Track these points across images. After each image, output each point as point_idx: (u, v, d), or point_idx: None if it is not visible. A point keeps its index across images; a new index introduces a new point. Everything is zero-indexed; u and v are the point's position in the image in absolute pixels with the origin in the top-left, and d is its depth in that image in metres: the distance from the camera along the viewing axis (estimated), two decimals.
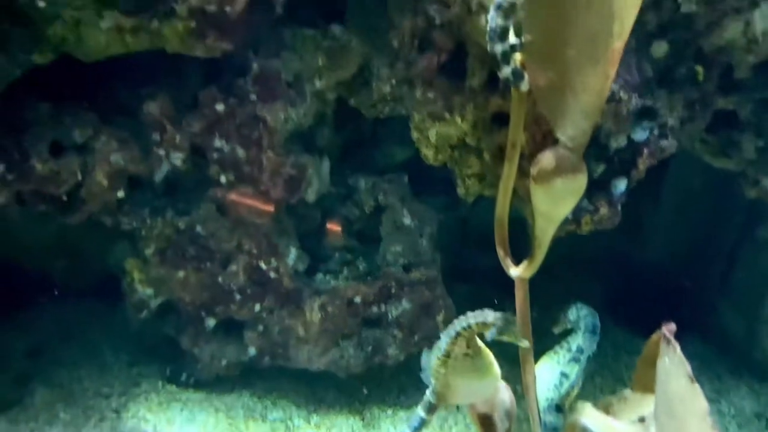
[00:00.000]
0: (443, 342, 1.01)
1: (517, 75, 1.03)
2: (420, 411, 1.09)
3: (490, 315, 0.96)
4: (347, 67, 1.54)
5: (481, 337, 1.00)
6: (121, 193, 1.53)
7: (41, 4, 1.25)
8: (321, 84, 1.54)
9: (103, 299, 1.98)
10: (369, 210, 1.73)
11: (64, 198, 1.44)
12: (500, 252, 1.15)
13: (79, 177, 1.44)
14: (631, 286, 1.97)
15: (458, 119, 1.52)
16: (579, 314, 1.17)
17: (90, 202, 1.48)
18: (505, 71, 1.03)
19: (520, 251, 1.13)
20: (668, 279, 1.95)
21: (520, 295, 1.10)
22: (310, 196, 1.64)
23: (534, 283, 1.12)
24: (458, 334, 0.99)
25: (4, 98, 1.35)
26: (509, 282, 1.11)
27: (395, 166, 1.86)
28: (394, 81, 1.56)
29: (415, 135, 1.61)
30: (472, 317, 0.98)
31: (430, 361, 1.03)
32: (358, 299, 1.64)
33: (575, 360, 1.15)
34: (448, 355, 1.01)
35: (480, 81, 1.47)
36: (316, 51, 1.51)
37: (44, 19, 1.28)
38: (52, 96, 1.45)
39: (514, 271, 1.11)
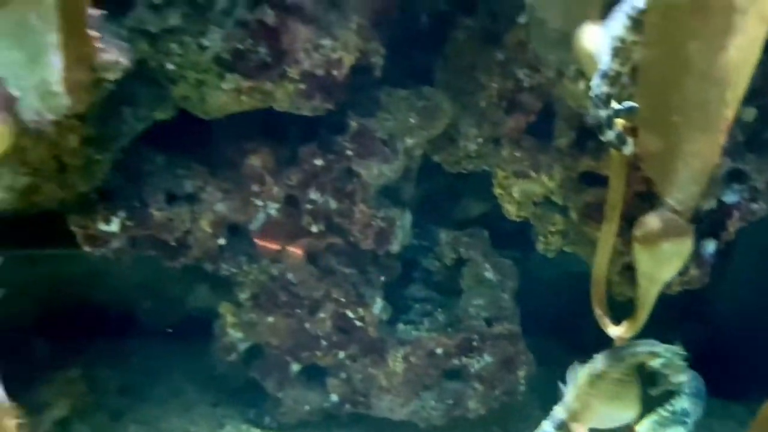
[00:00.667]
0: (604, 361, 1.01)
1: (621, 139, 1.08)
2: (548, 426, 1.09)
3: (659, 346, 0.97)
4: (437, 125, 1.62)
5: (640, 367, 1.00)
6: (222, 240, 1.63)
7: (170, 67, 1.38)
8: (411, 141, 1.63)
9: (183, 340, 2.07)
10: (449, 262, 1.79)
11: (173, 243, 1.55)
12: (598, 311, 1.18)
13: (188, 224, 1.54)
14: (714, 346, 1.94)
15: (544, 178, 1.57)
16: (682, 377, 1.16)
17: (195, 248, 1.58)
18: (609, 136, 1.08)
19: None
20: (752, 338, 1.92)
21: None
22: (395, 247, 1.71)
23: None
24: (623, 359, 0.99)
25: (127, 151, 1.47)
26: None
27: (471, 219, 1.92)
28: (480, 139, 1.64)
29: (497, 191, 1.68)
30: (642, 345, 0.99)
31: (578, 377, 1.03)
32: (440, 351, 1.68)
33: (681, 423, 1.14)
34: (600, 375, 1.01)
35: (568, 141, 1.54)
36: (408, 110, 1.60)
37: (170, 80, 1.41)
38: (167, 148, 1.57)
39: (614, 331, 1.13)
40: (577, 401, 1.03)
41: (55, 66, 0.95)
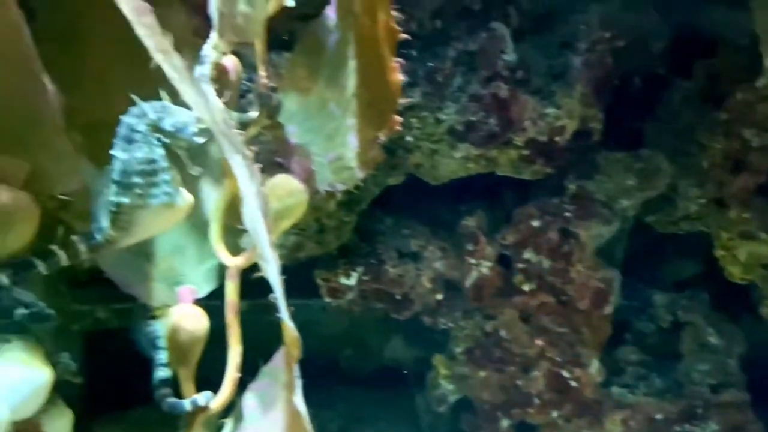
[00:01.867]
0: None
1: None
2: None
3: None
4: (657, 186, 1.63)
5: None
6: (439, 296, 1.73)
7: (408, 138, 1.53)
8: (628, 203, 1.65)
9: (380, 389, 2.19)
10: (665, 325, 1.76)
11: (399, 297, 1.67)
12: None
13: (413, 280, 1.67)
14: None
15: None
16: None
17: (417, 302, 1.70)
18: None
19: None
20: None
21: None
22: (608, 309, 1.71)
23: None
24: None
25: (363, 215, 1.64)
26: None
27: (683, 281, 1.88)
28: (702, 200, 1.62)
29: (720, 253, 1.64)
30: None
31: None
32: (660, 416, 1.63)
33: None
34: None
35: None
36: (626, 173, 1.63)
37: (407, 150, 1.56)
38: (394, 210, 1.73)
39: None
40: None
41: (352, 145, 1.12)
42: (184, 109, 0.90)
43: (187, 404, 1.08)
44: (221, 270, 1.14)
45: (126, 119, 0.89)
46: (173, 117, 0.89)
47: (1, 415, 0.84)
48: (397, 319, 1.72)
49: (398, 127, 1.05)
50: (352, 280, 1.62)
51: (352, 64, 1.13)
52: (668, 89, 1.67)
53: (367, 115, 1.09)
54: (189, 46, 1.16)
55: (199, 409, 1.09)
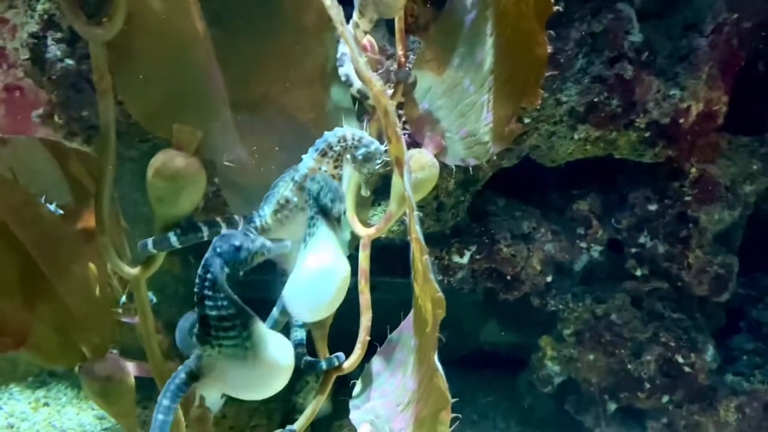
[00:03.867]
0: None
1: None
2: None
3: None
4: None
5: None
6: (549, 278, 1.75)
7: (526, 121, 1.55)
8: (750, 188, 1.61)
9: (476, 371, 2.21)
10: None
11: (509, 278, 1.70)
12: None
13: (524, 261, 1.69)
14: None
15: None
16: None
17: (525, 282, 1.72)
18: None
19: None
20: None
21: None
22: (725, 296, 1.67)
23: None
24: None
25: (477, 195, 1.67)
26: None
27: None
28: None
29: None
30: None
31: None
32: None
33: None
34: None
35: None
36: (750, 158, 1.59)
37: (523, 132, 1.58)
38: (507, 192, 1.75)
39: None
40: None
41: (486, 120, 1.16)
42: (376, 142, 1.00)
43: (323, 363, 1.15)
44: (353, 240, 1.21)
45: (328, 136, 0.99)
46: (366, 148, 0.99)
47: (345, 270, 0.94)
48: (506, 299, 1.75)
49: (540, 100, 1.07)
50: (464, 259, 1.65)
51: (489, 41, 1.16)
52: None
53: (505, 91, 1.12)
54: (324, 36, 1.24)
55: (333, 368, 1.17)
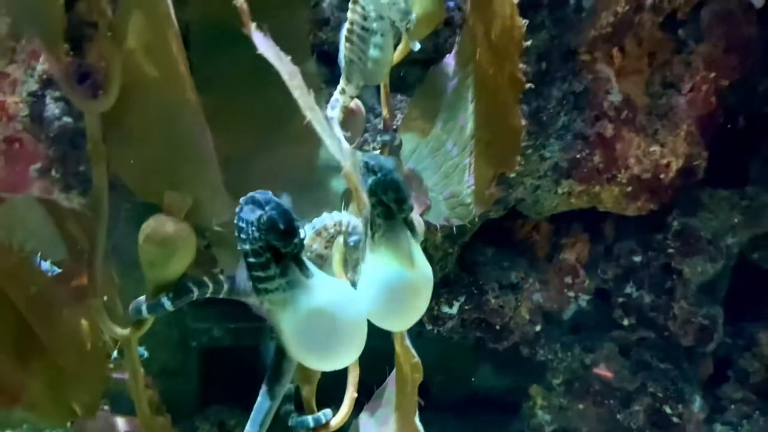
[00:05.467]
0: None
1: None
2: None
3: None
4: (763, 225, 1.62)
5: None
6: (538, 327, 1.77)
7: (512, 175, 1.60)
8: (733, 240, 1.64)
9: (470, 416, 2.22)
10: None
11: (498, 327, 1.72)
12: None
13: (512, 311, 1.72)
14: None
15: None
16: None
17: (515, 332, 1.74)
18: None
19: None
20: None
21: None
22: (711, 346, 1.69)
23: None
24: None
25: (465, 246, 1.71)
26: None
27: None
28: None
29: None
30: None
31: None
32: None
33: None
34: None
35: None
36: (732, 210, 1.63)
37: (509, 185, 1.63)
38: (494, 242, 1.79)
39: None
40: None
41: (468, 182, 1.20)
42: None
43: (310, 420, 1.17)
44: None
45: (326, 218, 1.00)
46: (359, 236, 0.98)
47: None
48: (495, 348, 1.77)
49: (517, 168, 1.12)
50: (454, 309, 1.68)
51: (471, 107, 1.21)
52: None
53: (486, 155, 1.16)
54: (318, 91, 1.29)
55: (320, 426, 1.19)
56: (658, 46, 1.58)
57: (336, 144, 0.95)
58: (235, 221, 0.86)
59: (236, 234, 0.86)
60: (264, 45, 0.92)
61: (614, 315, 1.74)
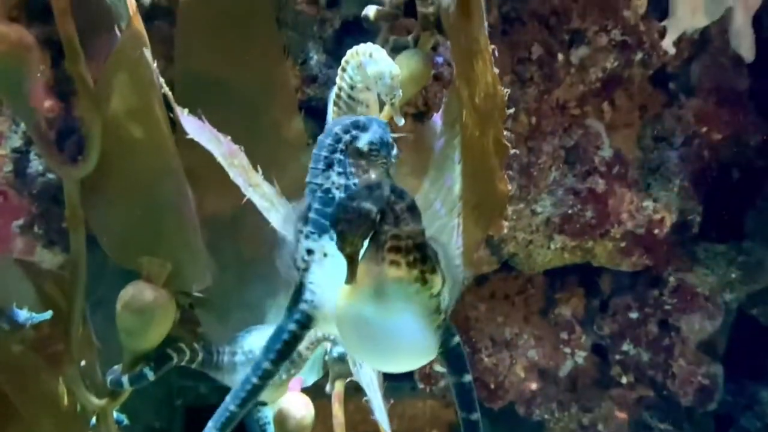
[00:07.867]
0: None
1: None
2: None
3: None
4: (760, 281, 1.59)
5: None
6: (533, 385, 1.72)
7: (504, 230, 1.57)
8: (731, 296, 1.61)
9: None
10: None
11: (492, 386, 1.67)
12: None
13: (506, 370, 1.67)
14: None
15: None
16: None
17: (509, 391, 1.69)
18: None
19: None
20: None
21: None
22: (712, 405, 1.64)
23: None
24: None
25: (457, 301, 1.67)
26: None
27: None
28: None
29: None
30: None
31: None
32: None
33: None
34: None
35: None
36: (729, 266, 1.60)
37: (501, 239, 1.60)
38: (486, 297, 1.75)
39: None
40: None
41: (457, 244, 1.17)
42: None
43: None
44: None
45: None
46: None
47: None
48: (491, 408, 1.71)
49: (504, 230, 1.09)
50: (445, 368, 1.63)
51: (457, 169, 1.19)
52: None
53: (473, 217, 1.14)
54: (304, 150, 1.28)
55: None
56: (648, 99, 1.58)
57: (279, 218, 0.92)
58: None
59: None
60: (194, 129, 0.91)
61: (612, 372, 1.70)
